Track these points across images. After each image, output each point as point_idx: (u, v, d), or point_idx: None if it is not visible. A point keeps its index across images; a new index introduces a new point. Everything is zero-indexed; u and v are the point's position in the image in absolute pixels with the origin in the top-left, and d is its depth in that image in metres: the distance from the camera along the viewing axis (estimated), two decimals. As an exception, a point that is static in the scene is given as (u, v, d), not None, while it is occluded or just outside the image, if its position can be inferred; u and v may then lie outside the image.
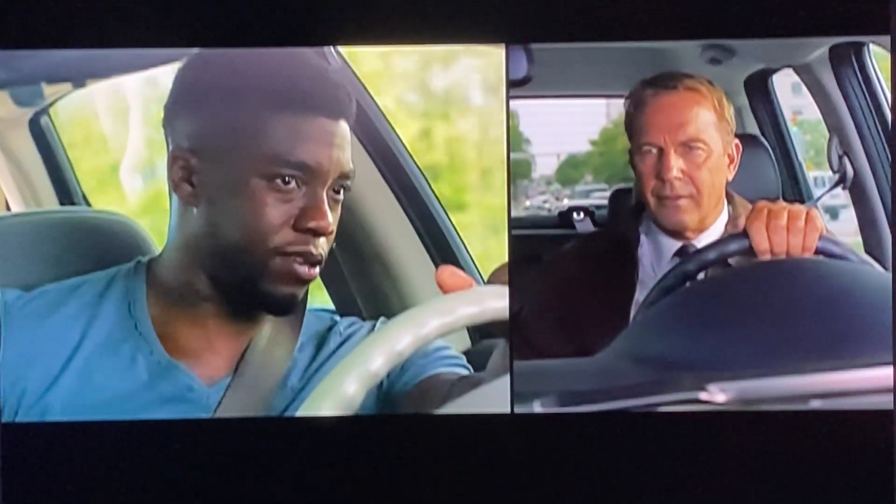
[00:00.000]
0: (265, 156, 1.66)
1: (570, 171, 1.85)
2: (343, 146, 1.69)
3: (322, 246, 1.69)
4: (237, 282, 1.69)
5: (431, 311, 1.52)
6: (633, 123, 1.81)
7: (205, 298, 1.71)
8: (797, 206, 1.78)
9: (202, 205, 1.68)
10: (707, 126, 1.79)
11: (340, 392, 1.51)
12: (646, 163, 1.80)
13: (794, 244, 1.76)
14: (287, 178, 1.66)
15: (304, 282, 1.70)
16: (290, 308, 1.72)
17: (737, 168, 1.82)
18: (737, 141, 1.82)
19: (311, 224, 1.67)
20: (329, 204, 1.68)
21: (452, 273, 1.65)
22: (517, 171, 1.82)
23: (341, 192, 1.70)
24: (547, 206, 1.86)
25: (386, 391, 1.73)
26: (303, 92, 1.70)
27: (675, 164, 1.79)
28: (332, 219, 1.69)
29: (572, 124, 1.84)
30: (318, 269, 1.70)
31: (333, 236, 1.71)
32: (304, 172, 1.67)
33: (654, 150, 1.79)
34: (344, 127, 1.70)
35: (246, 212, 1.66)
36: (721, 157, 1.81)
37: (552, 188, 1.86)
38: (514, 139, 1.81)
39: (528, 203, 1.85)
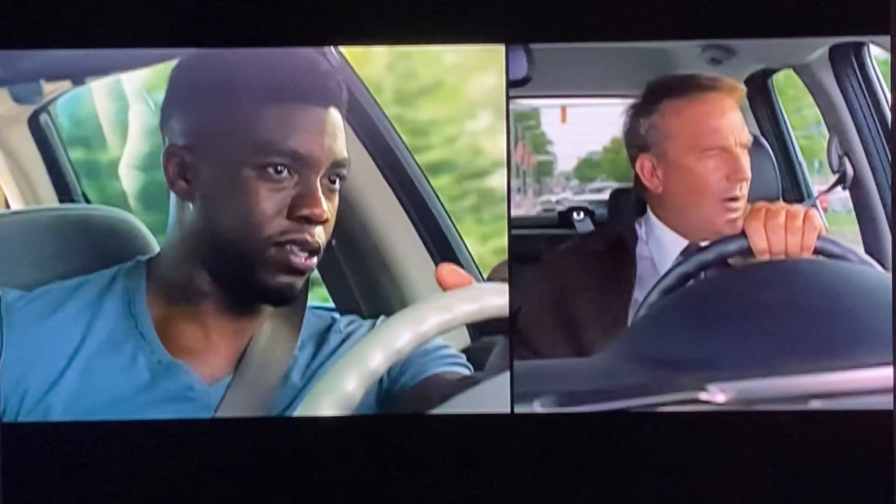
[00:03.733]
0: (256, 146, 1.67)
1: (587, 170, 1.85)
2: (335, 134, 1.69)
3: (318, 234, 1.69)
4: (235, 274, 1.69)
5: (431, 308, 1.53)
6: (673, 130, 1.79)
7: (204, 296, 1.71)
8: (795, 206, 1.78)
9: (198, 200, 1.68)
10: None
11: (340, 389, 1.52)
12: (707, 166, 1.78)
13: (793, 244, 1.76)
14: (279, 168, 1.66)
15: (302, 271, 1.69)
16: (289, 298, 1.71)
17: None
18: (736, 141, 1.83)
19: (305, 212, 1.67)
20: (324, 192, 1.68)
21: (452, 270, 1.65)
22: (541, 170, 1.83)
23: (336, 181, 1.70)
24: (567, 200, 1.87)
25: (386, 390, 1.73)
26: (292, 82, 1.70)
27: (746, 164, 1.78)
28: (326, 206, 1.68)
29: (589, 124, 1.84)
30: (315, 260, 1.70)
31: (331, 227, 1.71)
32: (296, 161, 1.67)
33: (722, 154, 1.78)
34: (335, 115, 1.70)
35: (240, 203, 1.67)
36: None
37: (571, 184, 1.86)
38: (539, 141, 1.82)
39: (554, 199, 1.85)
